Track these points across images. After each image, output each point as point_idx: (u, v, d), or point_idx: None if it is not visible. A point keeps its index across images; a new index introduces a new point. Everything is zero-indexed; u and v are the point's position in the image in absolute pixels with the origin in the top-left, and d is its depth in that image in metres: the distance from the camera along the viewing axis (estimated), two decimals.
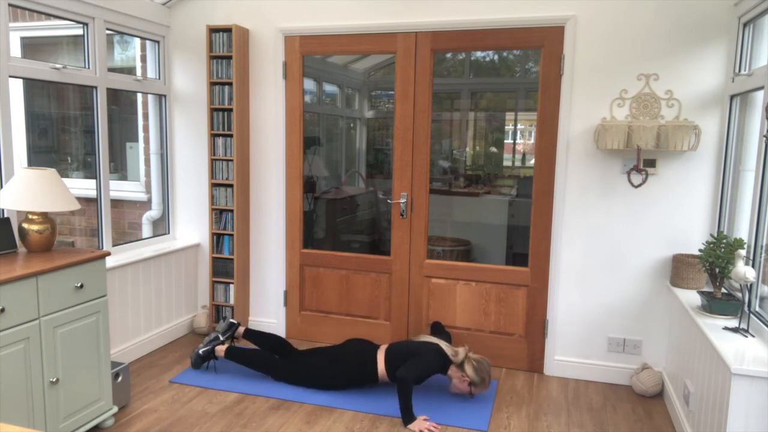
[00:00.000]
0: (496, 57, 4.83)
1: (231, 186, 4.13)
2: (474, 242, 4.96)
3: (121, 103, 5.08)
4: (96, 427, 2.97)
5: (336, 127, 5.55)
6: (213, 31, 4.02)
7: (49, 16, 3.39)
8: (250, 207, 4.31)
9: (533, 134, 4.13)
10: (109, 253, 3.00)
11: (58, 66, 3.36)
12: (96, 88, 3.65)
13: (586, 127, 3.54)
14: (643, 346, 3.62)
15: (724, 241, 2.87)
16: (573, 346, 3.75)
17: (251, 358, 3.61)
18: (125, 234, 4.99)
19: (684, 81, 3.36)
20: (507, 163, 5.32)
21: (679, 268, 3.33)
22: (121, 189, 4.99)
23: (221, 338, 3.74)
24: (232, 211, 4.15)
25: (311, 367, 3.49)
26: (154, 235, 4.45)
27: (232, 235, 4.18)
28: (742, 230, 3.11)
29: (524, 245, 3.83)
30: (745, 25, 3.13)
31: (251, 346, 3.81)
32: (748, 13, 3.03)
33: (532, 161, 3.94)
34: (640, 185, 3.41)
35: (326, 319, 4.27)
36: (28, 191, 2.76)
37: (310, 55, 4.11)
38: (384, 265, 4.10)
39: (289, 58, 4.08)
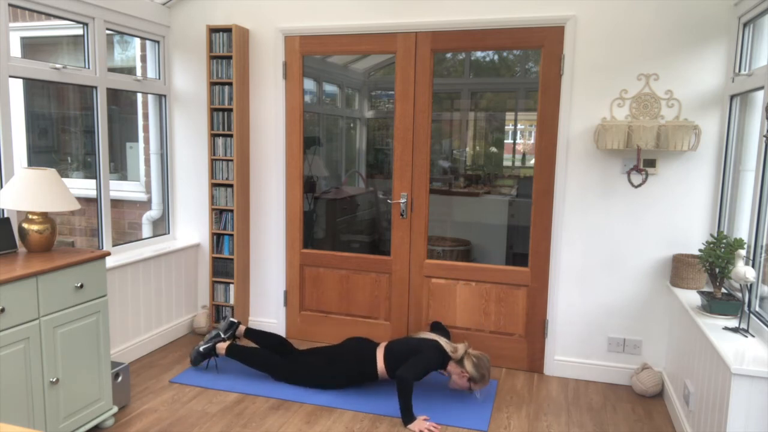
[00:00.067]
0: (496, 57, 4.83)
1: (231, 186, 4.13)
2: (474, 242, 4.96)
3: (121, 103, 5.08)
4: (96, 427, 2.97)
5: (336, 127, 5.55)
6: (213, 31, 4.02)
7: (49, 16, 3.39)
8: (250, 207, 4.31)
9: (533, 134, 4.13)
10: (109, 253, 3.00)
11: (58, 66, 3.36)
12: (96, 88, 3.65)
13: (586, 127, 3.54)
14: (643, 346, 3.62)
15: (724, 241, 2.87)
16: (573, 346, 3.75)
17: (252, 357, 3.61)
18: (125, 234, 4.99)
19: (684, 81, 3.36)
20: (507, 163, 5.32)
21: (679, 268, 3.33)
22: (121, 189, 4.99)
23: (222, 336, 3.73)
24: (232, 211, 4.15)
25: (311, 367, 3.50)
26: (154, 235, 4.45)
27: (232, 235, 4.18)
28: (742, 230, 3.11)
29: (524, 245, 3.83)
30: (745, 25, 3.13)
31: (252, 345, 3.80)
32: (748, 13, 3.03)
33: (532, 161, 3.94)
34: (640, 185, 3.41)
35: (326, 319, 4.27)
36: (28, 191, 2.76)
37: (310, 55, 4.11)
38: (384, 265, 4.10)
39: (289, 58, 4.08)
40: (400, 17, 3.80)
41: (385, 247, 4.42)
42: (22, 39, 5.00)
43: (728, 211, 3.27)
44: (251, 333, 3.80)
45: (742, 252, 2.69)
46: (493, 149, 5.35)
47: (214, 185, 4.17)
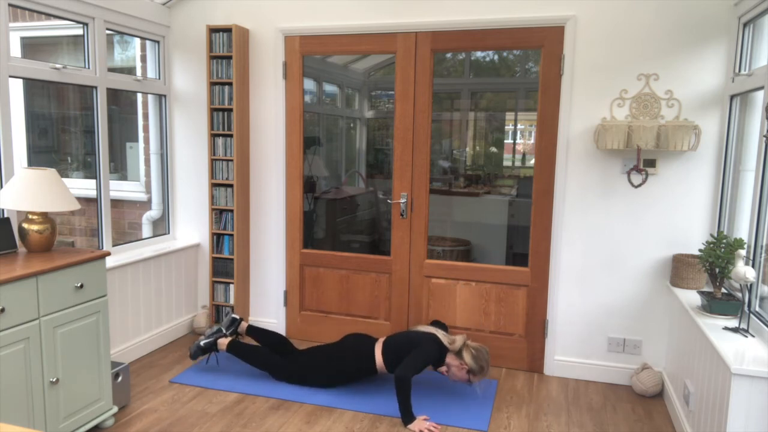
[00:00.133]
0: (496, 57, 4.83)
1: (231, 186, 4.13)
2: (474, 242, 4.96)
3: (121, 103, 5.08)
4: (96, 427, 2.97)
5: (336, 127, 5.55)
6: (213, 31, 4.02)
7: (49, 16, 3.39)
8: (250, 207, 4.31)
9: (533, 134, 4.13)
10: (109, 253, 3.00)
11: (58, 66, 3.36)
12: (96, 88, 3.65)
13: (586, 127, 3.54)
14: (643, 346, 3.62)
15: (724, 241, 2.87)
16: (573, 346, 3.75)
17: (252, 355, 3.60)
18: (125, 234, 4.99)
19: (684, 81, 3.36)
20: (507, 163, 5.32)
21: (679, 268, 3.33)
22: (121, 189, 4.99)
23: (224, 332, 3.72)
24: (232, 211, 4.15)
25: (311, 367, 3.49)
26: (154, 235, 4.45)
27: (232, 235, 4.18)
28: (742, 230, 3.11)
29: (524, 245, 3.83)
30: (745, 25, 3.13)
31: (253, 342, 3.80)
32: (748, 13, 3.03)
33: (532, 161, 3.94)
34: (640, 185, 3.41)
35: (326, 319, 4.27)
36: (28, 191, 2.76)
37: (310, 55, 4.11)
38: (384, 265, 4.10)
39: (289, 58, 4.08)
40: (400, 17, 3.80)
41: (385, 247, 4.42)
42: (22, 39, 5.00)
43: (728, 211, 3.27)
44: (253, 330, 3.79)
45: (742, 252, 2.69)
46: (493, 149, 5.35)
47: (214, 185, 4.17)
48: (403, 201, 3.97)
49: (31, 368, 2.55)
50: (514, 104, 5.19)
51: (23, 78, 3.23)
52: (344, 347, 3.52)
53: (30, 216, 2.84)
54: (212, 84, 4.06)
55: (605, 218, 3.58)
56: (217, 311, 4.28)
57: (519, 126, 5.17)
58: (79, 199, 3.35)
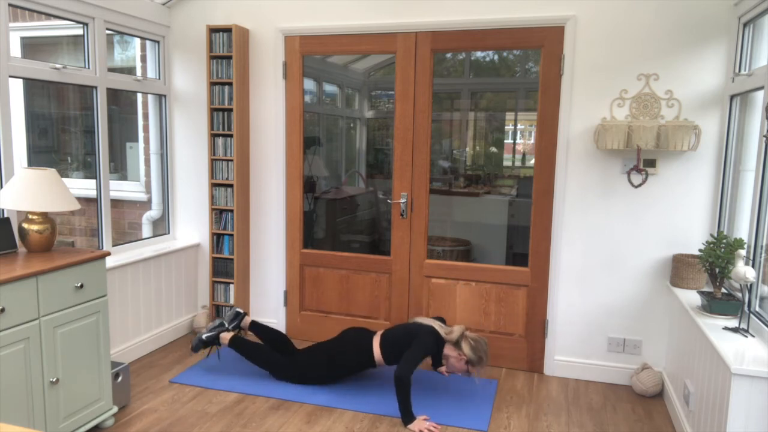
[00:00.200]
0: (496, 57, 4.83)
1: (231, 186, 4.13)
2: (474, 242, 4.96)
3: (121, 103, 5.08)
4: (96, 427, 2.97)
5: (336, 127, 5.55)
6: (213, 31, 4.02)
7: (49, 16, 3.39)
8: (250, 207, 4.31)
9: (533, 134, 4.13)
10: (109, 253, 3.00)
11: (58, 66, 3.36)
12: (96, 88, 3.65)
13: (586, 127, 3.54)
14: (643, 346, 3.62)
15: (724, 241, 2.87)
16: (573, 346, 3.75)
17: (254, 352, 3.60)
18: (125, 234, 4.99)
19: (684, 81, 3.36)
20: (507, 163, 5.33)
21: (679, 268, 3.33)
22: (121, 189, 4.99)
23: (227, 326, 3.70)
24: (232, 211, 4.15)
25: (311, 364, 3.49)
26: (154, 235, 4.45)
27: (232, 235, 4.18)
28: (742, 230, 3.11)
29: (524, 245, 3.83)
30: (745, 25, 3.13)
31: (254, 338, 3.80)
32: (748, 13, 3.03)
33: (532, 161, 3.94)
34: (640, 185, 3.41)
35: (326, 319, 4.27)
36: (28, 191, 2.76)
37: (310, 55, 4.11)
38: (384, 265, 4.10)
39: (289, 58, 4.08)
40: (400, 17, 3.80)
41: (385, 247, 4.42)
42: (22, 39, 5.00)
43: (728, 211, 3.27)
44: (256, 326, 3.77)
45: (742, 252, 2.69)
46: (493, 149, 5.35)
47: (214, 185, 4.17)
48: (403, 201, 3.97)
49: (31, 368, 2.55)
50: (514, 104, 5.19)
51: (23, 78, 3.23)
52: (344, 341, 3.52)
53: (30, 216, 2.84)
54: (212, 84, 4.06)
55: (605, 218, 3.58)
56: (217, 311, 4.28)
57: (519, 126, 5.17)
58: (79, 199, 3.35)
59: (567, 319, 3.73)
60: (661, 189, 3.46)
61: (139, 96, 4.81)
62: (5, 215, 3.05)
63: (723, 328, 2.66)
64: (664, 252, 3.50)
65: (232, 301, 4.22)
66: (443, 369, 3.74)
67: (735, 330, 2.63)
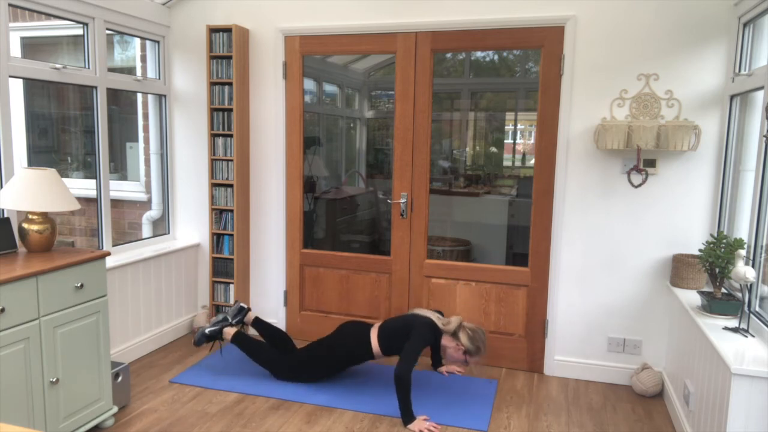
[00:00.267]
0: (496, 57, 4.83)
1: (231, 186, 4.13)
2: (474, 242, 4.96)
3: (121, 103, 5.08)
4: (96, 427, 2.97)
5: (336, 127, 5.55)
6: (213, 31, 4.02)
7: (49, 16, 3.39)
8: (250, 207, 4.31)
9: (533, 134, 4.13)
10: (109, 253, 3.00)
11: (58, 66, 3.36)
12: (96, 88, 3.65)
13: (586, 127, 3.54)
14: (643, 346, 3.62)
15: (724, 241, 2.87)
16: (573, 346, 3.75)
17: (256, 350, 3.59)
18: (125, 234, 4.99)
19: (684, 81, 3.36)
20: (507, 163, 5.33)
21: (679, 268, 3.33)
22: (121, 189, 5.00)
23: (230, 320, 3.70)
24: (232, 211, 4.15)
25: (311, 359, 3.49)
26: (154, 235, 4.45)
27: (232, 235, 4.18)
28: (742, 230, 3.11)
29: (524, 245, 3.83)
30: (745, 25, 3.13)
31: (256, 335, 3.80)
32: (748, 13, 3.03)
33: (532, 161, 3.94)
34: (640, 185, 3.41)
35: (326, 319, 4.27)
36: (28, 191, 2.76)
37: (310, 55, 4.11)
38: (384, 265, 4.10)
39: (289, 58, 4.08)
40: (400, 17, 3.80)
41: (385, 247, 4.42)
42: (22, 39, 5.00)
43: (728, 211, 3.27)
44: (259, 323, 3.77)
45: (742, 252, 2.69)
46: (493, 149, 5.35)
47: (214, 185, 4.17)
48: (403, 201, 3.97)
49: (31, 368, 2.55)
50: (514, 104, 5.19)
51: (23, 78, 3.23)
52: (342, 334, 3.51)
53: (30, 216, 2.84)
54: (212, 84, 4.06)
55: (605, 218, 3.58)
56: (217, 311, 4.28)
57: (519, 126, 5.17)
58: (79, 199, 3.35)
59: (567, 319, 3.73)
60: (661, 189, 3.46)
61: (139, 96, 4.81)
62: (5, 215, 3.05)
63: (723, 328, 2.66)
64: (664, 252, 3.50)
65: (232, 302, 4.22)
66: (443, 369, 3.75)
67: (735, 330, 2.63)
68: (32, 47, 5.10)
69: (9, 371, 2.45)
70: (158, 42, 4.23)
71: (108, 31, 3.72)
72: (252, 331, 3.99)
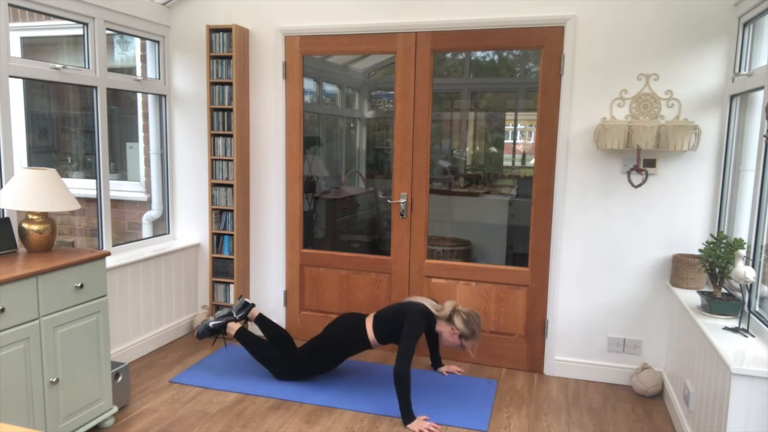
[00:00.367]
0: (496, 57, 4.83)
1: (231, 186, 4.13)
2: (474, 242, 4.96)
3: (121, 103, 5.08)
4: (96, 427, 2.97)
5: (336, 127, 5.55)
6: (213, 31, 4.02)
7: (49, 16, 3.39)
8: (250, 207, 4.31)
9: (533, 134, 4.13)
10: (109, 253, 3.00)
11: (58, 66, 3.36)
12: (96, 88, 3.65)
13: (586, 127, 3.54)
14: (643, 346, 3.62)
15: (724, 241, 2.87)
16: (573, 346, 3.75)
17: (258, 348, 3.59)
18: (125, 234, 4.99)
19: (684, 81, 3.36)
20: (507, 163, 5.33)
21: (679, 268, 3.33)
22: (121, 189, 5.00)
23: (235, 316, 3.70)
24: (232, 211, 4.15)
25: (309, 351, 3.50)
26: (154, 235, 4.45)
27: (232, 235, 4.18)
28: (742, 230, 3.11)
29: (524, 245, 3.83)
30: (745, 25, 3.13)
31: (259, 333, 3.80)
32: (748, 13, 3.03)
33: (532, 161, 3.94)
34: (640, 185, 3.41)
35: (326, 319, 4.27)
36: (28, 191, 2.76)
37: (310, 55, 4.11)
38: (384, 265, 4.10)
39: (289, 58, 4.08)
40: (400, 17, 3.80)
41: (385, 247, 4.42)
42: (22, 39, 5.00)
43: (728, 211, 3.27)
44: (262, 320, 3.77)
45: (742, 252, 2.69)
46: (493, 149, 5.35)
47: (214, 185, 4.17)
48: (403, 201, 3.97)
49: (31, 368, 2.55)
50: (514, 104, 5.19)
51: (23, 78, 3.23)
52: (338, 325, 3.52)
53: (30, 216, 2.84)
54: (212, 84, 4.06)
55: (605, 218, 3.58)
56: (217, 311, 4.28)
57: (519, 126, 5.17)
58: (79, 199, 3.35)
59: (567, 319, 3.73)
60: (661, 189, 3.46)
61: (139, 96, 4.81)
62: (5, 215, 3.05)
63: (723, 328, 2.66)
64: (664, 252, 3.50)
65: (232, 302, 4.22)
66: (443, 369, 3.75)
67: (735, 330, 2.63)
68: (32, 47, 5.10)
69: (9, 371, 2.45)
70: (158, 42, 4.23)
71: (108, 31, 3.72)
72: (254, 328, 3.99)
